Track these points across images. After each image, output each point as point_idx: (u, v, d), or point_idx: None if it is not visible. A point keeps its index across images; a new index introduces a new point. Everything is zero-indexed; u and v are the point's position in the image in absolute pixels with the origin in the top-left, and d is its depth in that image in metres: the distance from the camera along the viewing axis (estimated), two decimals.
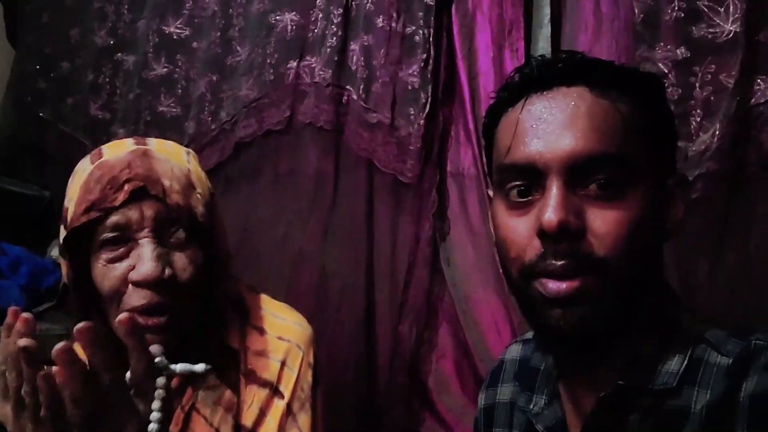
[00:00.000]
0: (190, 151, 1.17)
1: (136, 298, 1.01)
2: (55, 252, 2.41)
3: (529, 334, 1.06)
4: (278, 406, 1.10)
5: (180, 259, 1.05)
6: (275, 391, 1.12)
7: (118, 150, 1.09)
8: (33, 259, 2.28)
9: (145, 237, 1.02)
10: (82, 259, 1.06)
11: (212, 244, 1.10)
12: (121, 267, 1.02)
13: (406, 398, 1.75)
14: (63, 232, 1.07)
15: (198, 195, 1.09)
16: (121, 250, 1.03)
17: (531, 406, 0.94)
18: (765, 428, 0.71)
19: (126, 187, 1.01)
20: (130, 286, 1.02)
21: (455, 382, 1.75)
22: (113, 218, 1.01)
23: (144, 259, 1.00)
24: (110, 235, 1.02)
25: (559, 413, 0.90)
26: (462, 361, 1.76)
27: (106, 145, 1.13)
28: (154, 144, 1.12)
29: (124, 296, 1.02)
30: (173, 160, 1.09)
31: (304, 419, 1.12)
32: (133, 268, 1.01)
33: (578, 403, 0.87)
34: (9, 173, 2.50)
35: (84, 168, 1.08)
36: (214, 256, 1.11)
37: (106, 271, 1.02)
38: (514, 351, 1.07)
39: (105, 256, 1.03)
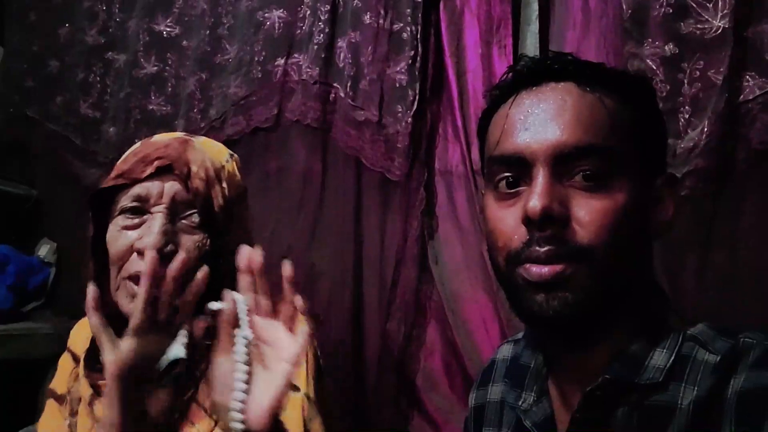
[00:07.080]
0: (235, 155, 1.26)
1: (136, 264, 1.09)
2: (42, 251, 2.40)
3: (520, 335, 1.07)
4: (296, 397, 1.14)
5: (188, 241, 1.12)
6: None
7: (166, 136, 1.21)
8: (20, 258, 2.27)
9: (160, 212, 1.10)
10: (101, 224, 1.15)
11: (223, 237, 1.16)
12: (131, 235, 1.11)
13: (394, 397, 1.75)
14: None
15: (221, 189, 1.16)
16: (136, 220, 1.11)
17: (520, 403, 0.95)
18: (751, 425, 0.71)
19: (155, 163, 1.11)
20: (134, 254, 1.10)
21: (443, 381, 1.74)
22: (136, 188, 1.11)
23: (151, 231, 1.08)
24: (130, 204, 1.11)
25: (548, 409, 0.91)
26: (450, 359, 1.75)
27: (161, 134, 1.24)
28: (200, 139, 1.23)
29: (126, 263, 1.10)
30: (209, 153, 1.19)
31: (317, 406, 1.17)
32: (141, 238, 1.10)
33: (566, 399, 0.88)
34: None
35: (134, 146, 1.20)
36: (222, 251, 1.15)
37: (118, 237, 1.11)
38: (506, 350, 1.08)
39: (121, 222, 1.12)
